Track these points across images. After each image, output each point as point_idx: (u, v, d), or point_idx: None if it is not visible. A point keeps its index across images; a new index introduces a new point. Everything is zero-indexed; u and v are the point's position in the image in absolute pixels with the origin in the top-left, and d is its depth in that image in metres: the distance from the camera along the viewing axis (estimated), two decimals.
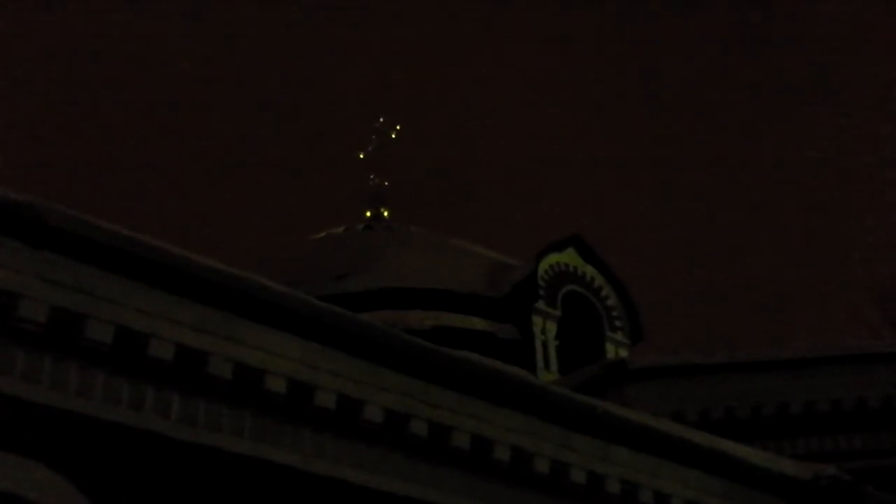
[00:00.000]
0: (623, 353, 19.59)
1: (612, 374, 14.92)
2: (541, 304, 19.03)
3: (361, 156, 24.13)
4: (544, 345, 18.89)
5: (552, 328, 19.09)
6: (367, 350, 8.84)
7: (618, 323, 20.11)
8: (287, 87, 51.17)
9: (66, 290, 7.50)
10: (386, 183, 23.88)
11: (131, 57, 48.09)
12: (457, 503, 9.34)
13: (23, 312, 7.34)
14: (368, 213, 23.20)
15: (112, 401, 7.74)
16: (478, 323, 18.67)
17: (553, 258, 19.68)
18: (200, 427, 8.12)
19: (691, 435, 11.08)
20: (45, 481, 7.28)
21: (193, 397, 8.13)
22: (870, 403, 14.85)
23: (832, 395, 14.85)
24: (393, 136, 24.22)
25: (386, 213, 23.27)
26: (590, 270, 20.13)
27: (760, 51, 50.76)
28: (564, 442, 9.99)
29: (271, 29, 51.65)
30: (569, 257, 19.99)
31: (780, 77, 51.44)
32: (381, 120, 24.36)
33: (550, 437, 9.91)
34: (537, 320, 18.97)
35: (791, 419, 14.75)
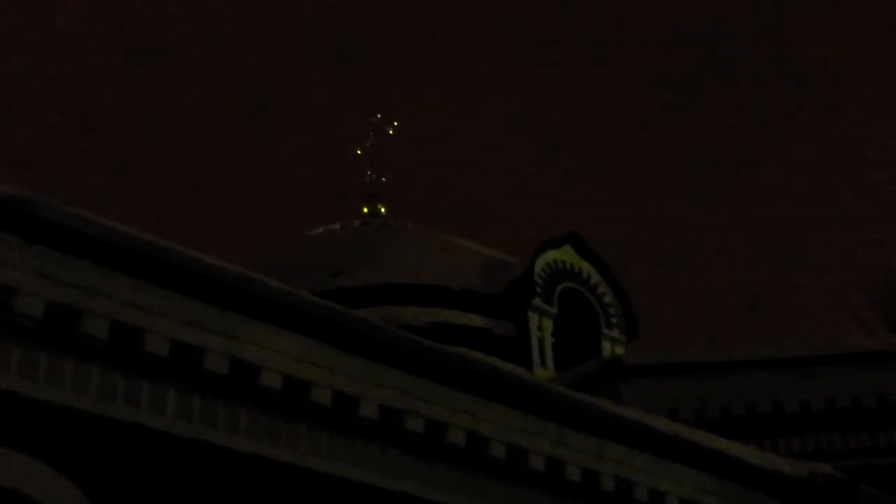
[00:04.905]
0: (619, 350, 19.60)
1: (608, 371, 14.94)
2: (537, 301, 19.02)
3: (359, 151, 24.12)
4: (540, 342, 18.88)
5: (548, 325, 19.09)
6: (363, 346, 8.84)
7: (614, 320, 20.11)
8: (284, 82, 51.16)
9: (61, 286, 7.49)
10: (383, 179, 23.86)
11: (129, 52, 48.08)
12: (452, 500, 9.34)
13: (19, 307, 7.34)
14: (365, 209, 23.18)
15: (108, 396, 7.73)
16: (474, 319, 18.66)
17: (550, 255, 19.67)
18: (196, 422, 8.11)
19: (687, 433, 11.09)
20: (40, 476, 7.27)
21: (189, 393, 8.12)
22: (864, 402, 14.87)
23: (827, 393, 14.87)
24: (390, 131, 24.21)
25: (383, 209, 23.24)
26: (586, 268, 20.13)
27: (755, 47, 50.80)
28: (560, 439, 9.99)
29: (268, 25, 51.64)
30: (566, 254, 19.98)
31: (775, 75, 51.49)
32: (379, 116, 24.35)
33: (546, 434, 9.91)
34: (534, 317, 18.96)
35: (786, 418, 14.76)
